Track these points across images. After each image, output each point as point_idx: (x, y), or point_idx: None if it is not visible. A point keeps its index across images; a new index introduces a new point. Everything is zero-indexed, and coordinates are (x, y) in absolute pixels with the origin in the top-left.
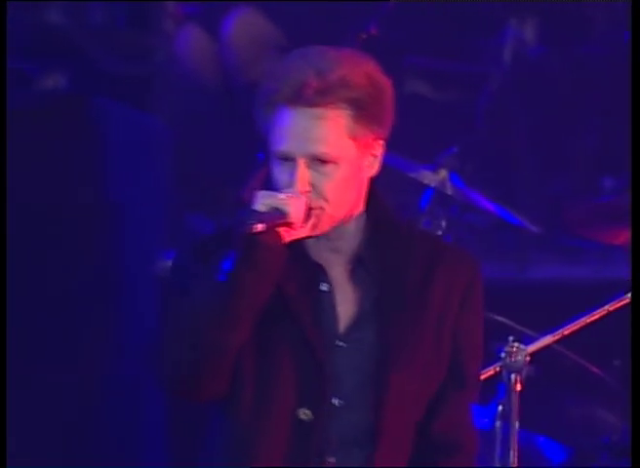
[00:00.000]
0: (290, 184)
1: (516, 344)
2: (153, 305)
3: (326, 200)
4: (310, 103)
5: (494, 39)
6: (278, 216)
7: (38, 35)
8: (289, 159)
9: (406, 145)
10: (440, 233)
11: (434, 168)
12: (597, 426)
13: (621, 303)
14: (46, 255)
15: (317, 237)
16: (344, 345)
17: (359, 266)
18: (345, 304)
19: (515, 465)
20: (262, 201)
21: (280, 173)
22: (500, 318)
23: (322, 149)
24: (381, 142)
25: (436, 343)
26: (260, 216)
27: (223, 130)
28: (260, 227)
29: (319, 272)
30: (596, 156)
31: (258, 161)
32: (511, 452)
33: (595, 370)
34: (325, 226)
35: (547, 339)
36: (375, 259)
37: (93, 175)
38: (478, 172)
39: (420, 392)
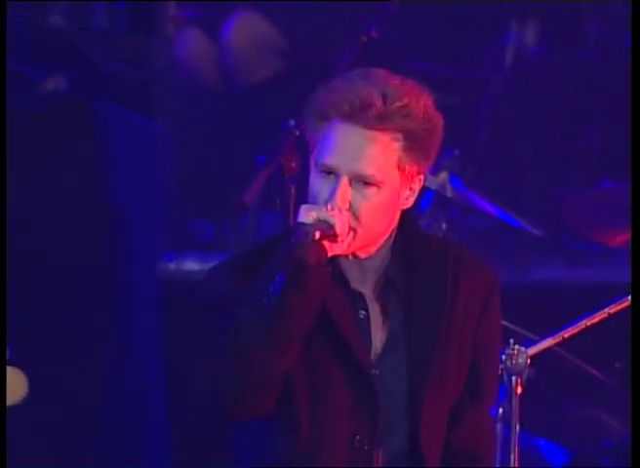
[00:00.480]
0: (328, 199)
1: (517, 347)
2: (155, 308)
3: (359, 221)
4: (369, 125)
5: (495, 43)
6: (326, 229)
7: (40, 39)
8: (332, 173)
9: None
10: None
11: (435, 170)
12: (598, 429)
13: (622, 306)
14: (47, 259)
15: (347, 256)
16: (377, 372)
17: (387, 286)
18: (376, 328)
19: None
20: (309, 213)
21: (320, 185)
22: (501, 321)
23: (369, 171)
24: (422, 177)
25: (458, 355)
26: (311, 228)
27: (225, 133)
28: (317, 235)
29: (358, 298)
30: (597, 159)
31: (259, 164)
32: (512, 455)
33: (596, 372)
34: (354, 248)
35: (548, 342)
36: (402, 279)
37: (94, 178)
38: (479, 174)
39: (449, 406)
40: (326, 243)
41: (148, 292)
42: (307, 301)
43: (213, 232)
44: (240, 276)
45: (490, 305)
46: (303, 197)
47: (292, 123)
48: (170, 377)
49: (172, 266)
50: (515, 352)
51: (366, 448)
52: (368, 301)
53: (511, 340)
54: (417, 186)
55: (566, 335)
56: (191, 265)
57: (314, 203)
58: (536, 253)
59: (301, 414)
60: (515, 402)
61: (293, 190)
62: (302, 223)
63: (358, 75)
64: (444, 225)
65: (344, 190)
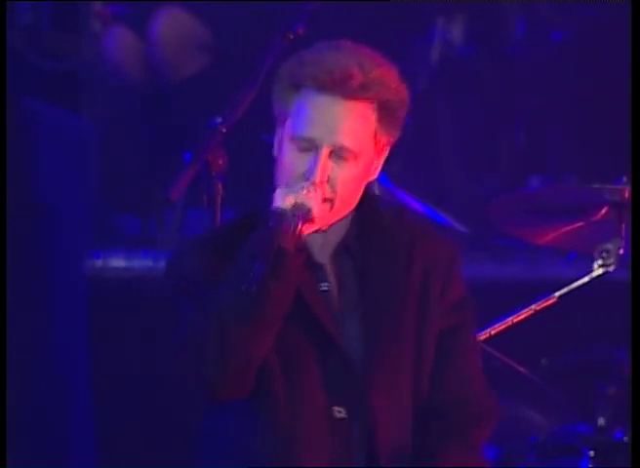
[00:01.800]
0: (306, 172)
1: None
2: (81, 303)
3: (336, 194)
4: (349, 96)
5: (421, 38)
6: (305, 214)
7: None
8: (310, 147)
9: None
10: None
11: None
12: (524, 426)
13: (548, 303)
14: None
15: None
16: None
17: (345, 256)
18: (337, 299)
19: None
20: (286, 198)
21: (297, 159)
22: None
23: (350, 143)
24: (388, 149)
25: (419, 328)
26: (293, 218)
27: (151, 129)
28: (299, 225)
29: (320, 270)
30: (523, 155)
31: (185, 161)
32: None
33: (522, 369)
34: (329, 220)
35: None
36: (359, 249)
37: (19, 175)
38: (405, 171)
39: (408, 380)
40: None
41: (75, 288)
42: (287, 287)
43: (139, 228)
44: (208, 258)
45: (452, 276)
46: (230, 194)
47: (218, 119)
48: (96, 375)
49: (98, 263)
50: None
51: (343, 419)
52: (328, 273)
53: None
54: (383, 158)
55: (492, 332)
56: (118, 262)
57: (290, 177)
58: (462, 249)
59: (278, 392)
60: None
61: (219, 187)
62: (281, 209)
63: (329, 46)
64: None
65: (325, 163)
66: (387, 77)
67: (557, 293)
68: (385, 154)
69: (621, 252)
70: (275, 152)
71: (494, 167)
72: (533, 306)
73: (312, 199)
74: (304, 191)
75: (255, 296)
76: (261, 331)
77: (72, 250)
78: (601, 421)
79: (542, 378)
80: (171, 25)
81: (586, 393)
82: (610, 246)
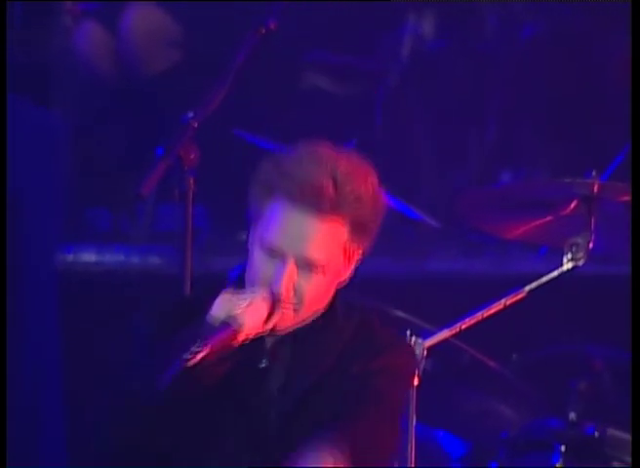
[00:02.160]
0: (273, 280)
1: (414, 338)
2: (52, 298)
3: (302, 303)
4: (320, 212)
5: (392, 34)
6: (235, 329)
7: None
8: (277, 255)
9: (305, 139)
10: None
11: None
12: (495, 420)
13: (518, 297)
14: None
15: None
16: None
17: (287, 342)
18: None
19: (413, 459)
20: (222, 307)
21: (264, 265)
22: (397, 312)
23: (317, 257)
24: (360, 254)
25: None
26: (210, 338)
27: (122, 124)
28: (205, 352)
29: (261, 349)
30: (494, 150)
31: (157, 156)
32: (409, 446)
33: (493, 364)
34: (287, 324)
35: (445, 333)
36: (299, 341)
37: None
38: (376, 165)
39: None
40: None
41: (45, 283)
42: (195, 391)
43: (110, 223)
44: (158, 329)
45: (378, 382)
46: (201, 189)
47: (190, 114)
48: (67, 369)
49: (69, 257)
50: (412, 343)
51: None
52: (267, 350)
53: (408, 331)
54: (354, 263)
55: (463, 327)
56: (89, 256)
57: (257, 279)
58: (433, 244)
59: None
60: (412, 393)
61: (191, 182)
62: (214, 319)
63: (307, 155)
64: None
65: (291, 274)
66: (362, 193)
67: (527, 288)
68: (357, 259)
69: (591, 246)
70: (249, 246)
71: (464, 162)
72: (503, 300)
73: (248, 316)
74: (243, 304)
75: (162, 395)
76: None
77: (42, 244)
78: (572, 416)
79: (513, 373)
80: (142, 21)
81: (557, 388)
82: (579, 240)
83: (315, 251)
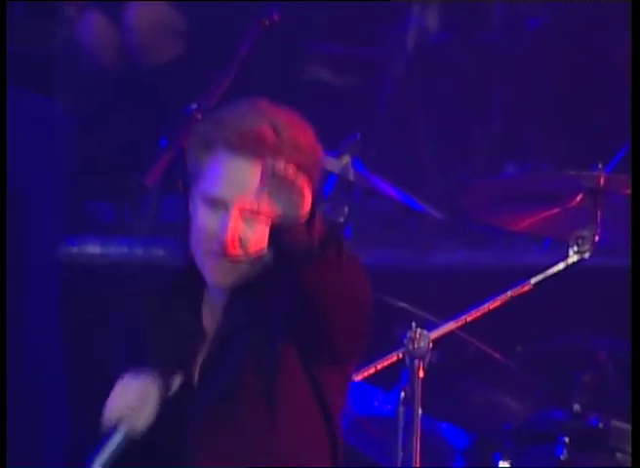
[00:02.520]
0: (218, 232)
1: (419, 330)
2: (55, 290)
3: (247, 253)
4: (257, 154)
5: (397, 25)
6: (129, 431)
7: None
8: (221, 206)
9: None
10: (342, 219)
11: (337, 154)
12: (499, 412)
13: (523, 289)
14: None
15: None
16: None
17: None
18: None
19: (418, 451)
20: (113, 409)
21: (208, 218)
22: (403, 304)
23: (259, 202)
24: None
25: None
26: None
27: (126, 116)
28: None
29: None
30: (499, 142)
31: (161, 147)
32: (414, 439)
33: (498, 356)
34: (232, 279)
35: (450, 325)
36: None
37: None
38: (381, 158)
39: None
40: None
41: (48, 275)
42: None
43: (114, 215)
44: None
45: None
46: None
47: (194, 106)
48: (70, 362)
49: (73, 249)
50: (417, 335)
51: None
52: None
53: (413, 323)
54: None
55: (468, 319)
56: (92, 248)
57: (199, 235)
58: (438, 236)
59: None
60: (417, 385)
61: None
62: (107, 420)
63: (246, 107)
64: (346, 209)
65: (235, 224)
66: (301, 139)
67: (532, 280)
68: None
69: (597, 238)
70: (190, 212)
71: (469, 154)
72: (508, 293)
73: (138, 420)
74: (134, 400)
75: None
76: None
77: (46, 236)
78: (576, 408)
79: (518, 365)
80: (146, 11)
81: (561, 380)
82: (585, 232)
83: (257, 197)
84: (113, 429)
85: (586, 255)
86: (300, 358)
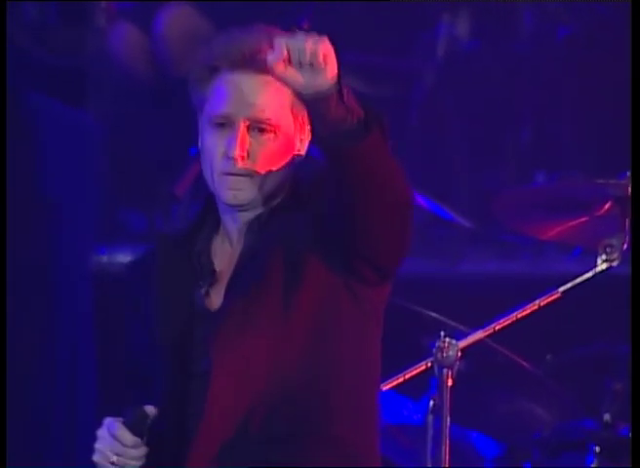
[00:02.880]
0: (226, 150)
1: (448, 339)
2: (87, 299)
3: (257, 167)
4: (261, 70)
5: (427, 34)
6: None
7: None
8: (227, 124)
9: None
10: None
11: None
12: (528, 421)
13: (553, 298)
14: None
15: (236, 223)
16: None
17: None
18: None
19: (447, 460)
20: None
21: (215, 139)
22: (431, 313)
23: (265, 115)
24: (309, 129)
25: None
26: None
27: (156, 125)
28: None
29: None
30: (529, 151)
31: (190, 156)
32: (443, 447)
33: (526, 365)
34: (247, 195)
35: (479, 334)
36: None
37: (25, 170)
38: (411, 167)
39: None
40: None
41: (80, 284)
42: None
43: (145, 224)
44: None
45: None
46: None
47: None
48: (102, 371)
49: (104, 258)
50: (446, 344)
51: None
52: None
53: (442, 333)
54: (306, 138)
55: (497, 328)
56: (124, 257)
57: (210, 158)
58: (467, 245)
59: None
60: (446, 394)
61: None
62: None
63: (237, 28)
64: None
65: (243, 137)
66: None
67: (561, 289)
68: (307, 136)
69: (625, 246)
70: (199, 143)
71: (499, 162)
72: (537, 301)
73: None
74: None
75: None
76: None
77: (77, 245)
78: (606, 417)
79: (547, 374)
80: (176, 21)
81: (592, 388)
82: (614, 241)
83: (262, 108)
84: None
85: (615, 264)
86: (333, 269)
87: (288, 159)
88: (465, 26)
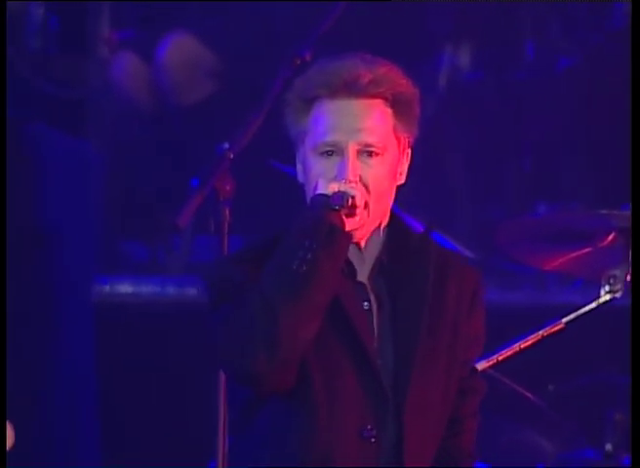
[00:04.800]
0: (337, 176)
1: None
2: (89, 330)
3: (370, 194)
4: (362, 94)
5: (429, 64)
6: (347, 199)
7: None
8: (335, 151)
9: None
10: None
11: None
12: (532, 452)
13: (556, 329)
14: None
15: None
16: (380, 362)
17: (380, 275)
18: (375, 319)
19: None
20: (329, 186)
21: (324, 167)
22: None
23: (372, 139)
24: (409, 152)
25: (451, 348)
26: (334, 199)
27: (158, 155)
28: (350, 201)
29: (362, 289)
30: (530, 181)
31: (192, 187)
32: None
33: (529, 395)
34: (366, 227)
35: (482, 365)
36: (393, 269)
37: (26, 200)
38: (412, 196)
39: (440, 399)
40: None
41: (82, 315)
42: (336, 266)
43: (146, 255)
44: (250, 266)
45: (477, 301)
46: (237, 220)
47: (226, 145)
48: (103, 401)
49: (106, 289)
50: None
51: (373, 439)
52: (368, 292)
53: None
54: (407, 161)
55: (500, 358)
56: (125, 288)
57: (322, 186)
58: None
59: (317, 398)
60: None
61: (227, 213)
62: (324, 195)
63: (332, 59)
64: None
65: (354, 162)
66: (395, 73)
67: (564, 319)
68: (408, 157)
69: (629, 278)
70: (300, 177)
71: (501, 192)
72: (540, 332)
73: (356, 188)
74: (347, 181)
75: (305, 275)
76: (310, 311)
77: (78, 276)
78: (608, 447)
79: (550, 404)
80: (178, 51)
81: (594, 419)
82: (617, 272)
83: (369, 133)
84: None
85: (618, 295)
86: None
87: (393, 185)
88: (467, 56)
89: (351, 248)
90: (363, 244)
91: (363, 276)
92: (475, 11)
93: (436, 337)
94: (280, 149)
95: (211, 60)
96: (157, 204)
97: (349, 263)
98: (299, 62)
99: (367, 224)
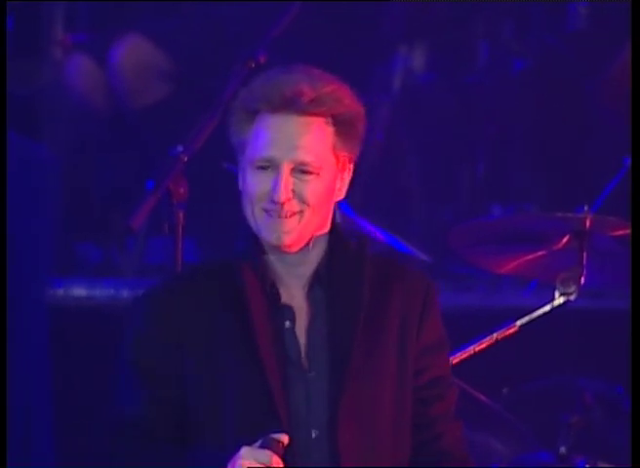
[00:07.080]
0: (270, 192)
1: None
2: (43, 333)
3: (307, 204)
4: (302, 111)
5: (382, 66)
6: None
7: None
8: (270, 167)
9: None
10: None
11: None
12: (486, 455)
13: (509, 331)
14: None
15: (282, 263)
16: (313, 375)
17: (317, 288)
18: (305, 331)
19: None
20: (244, 462)
21: (259, 182)
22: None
23: (308, 158)
24: (351, 167)
25: (401, 359)
26: None
27: (112, 157)
28: None
29: (286, 310)
30: (484, 184)
31: (147, 189)
32: None
33: (483, 398)
34: (293, 237)
35: None
36: (331, 282)
37: None
38: (367, 200)
39: (389, 409)
40: None
41: (36, 318)
42: None
43: (100, 257)
44: (173, 322)
45: (429, 310)
46: (191, 222)
47: (180, 148)
48: (58, 404)
49: (59, 292)
50: None
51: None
52: (296, 309)
53: None
54: (347, 177)
55: (454, 361)
56: (79, 291)
57: (254, 198)
58: None
59: (226, 431)
60: None
61: (181, 215)
62: None
63: (280, 70)
64: None
65: (287, 179)
66: (339, 92)
67: (518, 322)
68: (349, 173)
69: (582, 281)
70: (240, 185)
71: (455, 195)
72: (494, 335)
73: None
74: (278, 198)
75: None
76: None
77: (31, 279)
78: (562, 450)
79: (504, 407)
80: (131, 53)
81: (547, 421)
82: (571, 274)
83: (306, 152)
84: None
85: (572, 298)
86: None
87: (330, 203)
88: (421, 58)
89: (283, 262)
90: (298, 257)
91: (293, 292)
92: (429, 12)
93: (377, 348)
94: (234, 152)
95: (164, 63)
96: (111, 206)
97: (273, 286)
98: (253, 65)
99: (299, 231)
